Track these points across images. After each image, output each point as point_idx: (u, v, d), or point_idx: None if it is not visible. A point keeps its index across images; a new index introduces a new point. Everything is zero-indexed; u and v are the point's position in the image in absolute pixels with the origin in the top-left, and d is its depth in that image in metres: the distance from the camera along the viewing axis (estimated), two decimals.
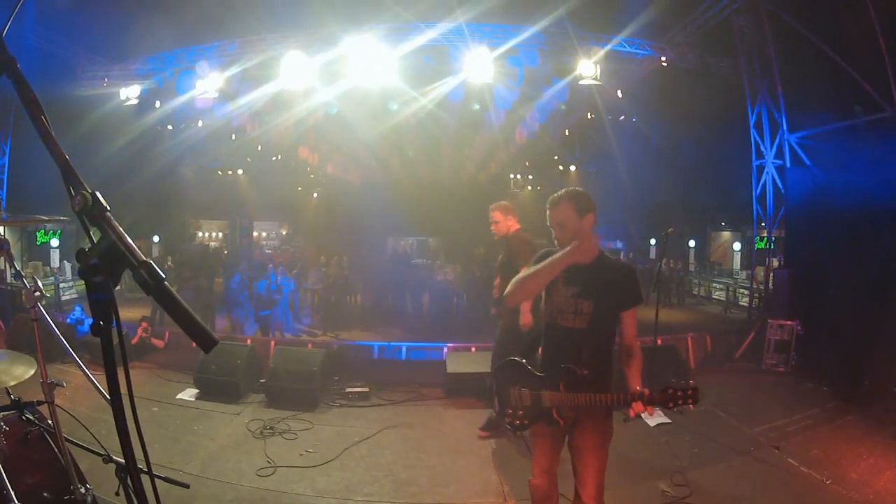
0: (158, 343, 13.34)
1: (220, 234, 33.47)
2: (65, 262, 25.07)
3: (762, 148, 16.47)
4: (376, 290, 21.72)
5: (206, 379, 10.55)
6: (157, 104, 20.08)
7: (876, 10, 12.48)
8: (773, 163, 16.24)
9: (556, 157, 32.16)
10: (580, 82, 19.18)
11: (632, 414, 4.06)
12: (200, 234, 33.28)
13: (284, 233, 34.94)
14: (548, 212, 4.50)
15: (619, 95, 23.11)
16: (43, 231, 25.49)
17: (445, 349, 12.38)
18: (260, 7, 17.65)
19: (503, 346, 7.92)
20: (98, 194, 1.53)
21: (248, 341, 12.43)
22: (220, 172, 28.76)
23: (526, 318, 7.65)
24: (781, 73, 15.68)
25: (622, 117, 24.80)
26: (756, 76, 16.24)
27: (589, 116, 25.28)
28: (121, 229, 1.52)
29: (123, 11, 16.35)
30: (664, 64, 19.18)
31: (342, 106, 20.37)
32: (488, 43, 17.81)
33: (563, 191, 4.52)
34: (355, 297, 20.84)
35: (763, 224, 16.95)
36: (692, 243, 31.69)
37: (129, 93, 18.96)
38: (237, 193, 29.77)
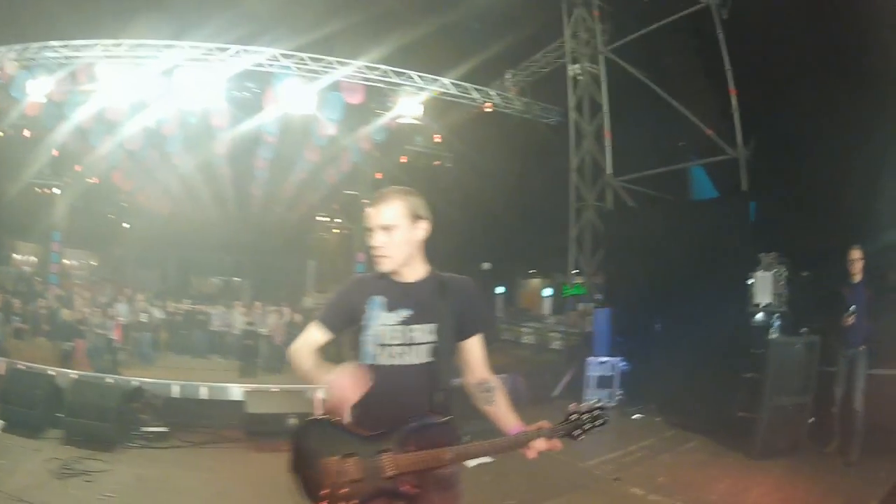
0: None
1: (34, 259, 30.81)
2: None
3: (582, 191, 17.00)
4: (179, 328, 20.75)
5: (8, 409, 9.80)
6: None
7: (731, 56, 13.52)
8: (594, 205, 16.81)
9: (364, 201, 31.81)
10: (399, 121, 19.33)
11: (533, 455, 3.23)
12: (17, 256, 30.54)
13: (94, 264, 32.69)
14: (371, 209, 3.44)
15: (437, 140, 23.27)
16: None
17: (245, 390, 11.84)
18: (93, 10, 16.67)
19: None
20: None
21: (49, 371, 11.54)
22: (37, 190, 26.49)
23: None
24: (611, 119, 16.32)
25: (436, 162, 24.92)
26: (584, 121, 16.80)
27: (402, 160, 25.28)
28: None
29: None
30: (488, 110, 19.54)
31: (162, 130, 19.32)
32: (312, 73, 17.51)
33: (394, 187, 3.55)
34: (158, 334, 19.80)
35: (574, 271, 17.42)
36: (500, 290, 31.55)
37: None
38: (51, 216, 27.63)
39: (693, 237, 12.71)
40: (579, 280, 17.87)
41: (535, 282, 32.70)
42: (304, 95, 17.62)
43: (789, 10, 11.75)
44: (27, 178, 23.63)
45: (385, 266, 3.44)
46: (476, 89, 19.13)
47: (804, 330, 10.02)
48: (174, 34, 16.86)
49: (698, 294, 11.80)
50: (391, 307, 3.40)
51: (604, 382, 13.29)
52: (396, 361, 3.35)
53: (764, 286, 11.26)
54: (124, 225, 31.68)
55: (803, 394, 9.32)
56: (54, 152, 22.80)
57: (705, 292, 11.69)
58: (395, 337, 3.36)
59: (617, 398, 13.13)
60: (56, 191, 26.68)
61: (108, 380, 11.99)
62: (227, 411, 11.25)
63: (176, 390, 12.24)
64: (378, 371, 3.32)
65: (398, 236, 3.40)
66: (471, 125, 21.64)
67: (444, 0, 17.13)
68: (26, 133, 20.52)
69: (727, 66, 13.65)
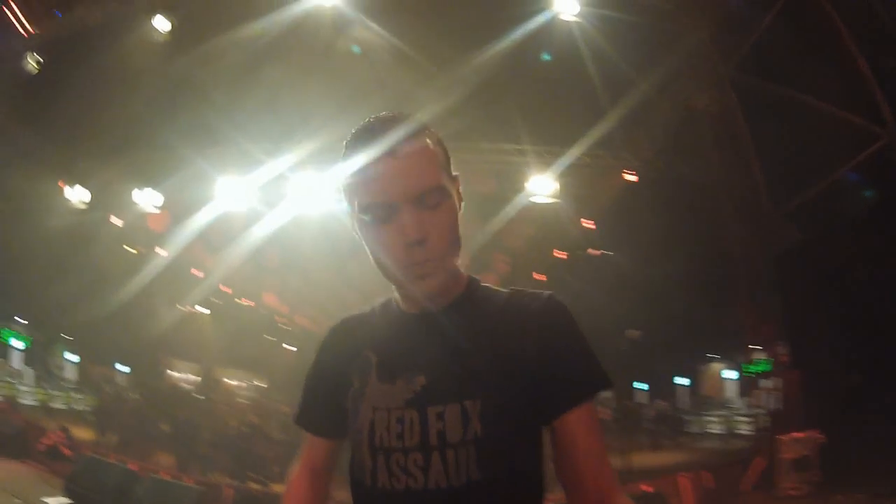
0: (68, 452, 13.46)
1: (194, 378, 31.54)
2: (28, 367, 25.39)
3: (745, 237, 15.17)
4: None
5: (75, 490, 10.20)
6: (112, 218, 19.45)
7: (850, 31, 11.73)
8: (762, 249, 14.80)
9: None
10: (533, 199, 18.19)
11: None
12: (172, 373, 31.25)
13: (264, 386, 33.35)
14: (381, 167, 1.62)
15: (589, 226, 21.56)
16: (8, 329, 25.13)
17: None
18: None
19: None
20: None
21: (132, 466, 12.00)
22: (179, 307, 26.83)
23: None
24: (756, 145, 14.61)
25: (593, 251, 23.00)
26: (728, 157, 15.20)
27: (559, 254, 23.51)
28: None
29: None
30: (633, 178, 18.31)
31: (292, 243, 19.46)
32: None
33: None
34: None
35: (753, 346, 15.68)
36: (682, 381, 30.26)
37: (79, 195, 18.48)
38: (204, 336, 28.17)
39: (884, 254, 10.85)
40: (761, 355, 15.46)
41: (716, 366, 30.66)
42: None
43: None
44: (172, 297, 24.32)
45: (434, 282, 1.68)
46: (612, 157, 17.94)
47: None
48: (282, 136, 16.71)
49: None
50: (387, 371, 1.75)
51: (802, 464, 11.09)
52: (408, 484, 1.65)
53: None
54: (286, 346, 32.33)
55: None
56: (196, 272, 23.22)
57: None
58: (397, 432, 1.67)
59: (815, 482, 10.95)
60: (204, 310, 27.61)
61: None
62: None
63: None
64: (381, 498, 1.69)
65: (446, 211, 1.69)
66: (617, 201, 19.97)
67: (541, 70, 16.26)
68: (161, 251, 20.60)
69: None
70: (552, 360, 1.65)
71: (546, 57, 15.85)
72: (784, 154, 13.68)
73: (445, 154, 1.74)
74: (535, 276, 25.46)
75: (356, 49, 15.91)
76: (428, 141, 1.68)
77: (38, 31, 15.05)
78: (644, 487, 9.87)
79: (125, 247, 21.18)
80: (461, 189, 1.78)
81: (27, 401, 22.45)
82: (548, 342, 1.67)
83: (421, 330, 1.74)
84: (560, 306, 1.75)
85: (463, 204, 1.76)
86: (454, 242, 1.69)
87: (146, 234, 19.89)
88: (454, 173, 1.76)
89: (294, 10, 14.58)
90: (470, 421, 1.59)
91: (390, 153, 1.61)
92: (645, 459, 16.48)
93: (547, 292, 1.79)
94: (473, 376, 1.63)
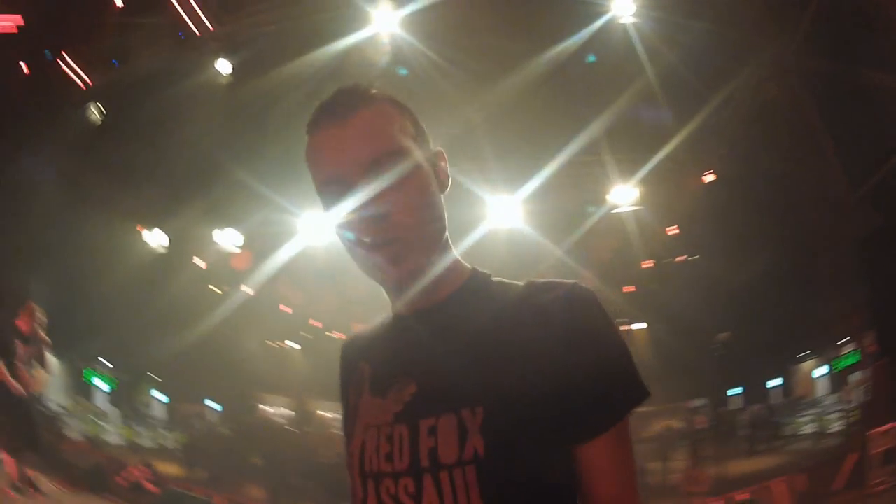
0: (151, 487, 13.96)
1: (288, 412, 31.49)
2: (114, 407, 25.46)
3: (828, 228, 14.95)
4: None
5: None
6: (195, 259, 19.88)
7: None
8: (845, 238, 14.39)
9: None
10: (615, 211, 18.10)
11: None
12: (265, 407, 31.39)
13: None
14: (320, 132, 1.51)
15: (673, 232, 21.12)
16: (92, 370, 25.22)
17: None
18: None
19: None
20: None
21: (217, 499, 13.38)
22: (268, 343, 27.14)
23: None
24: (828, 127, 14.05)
25: (680, 258, 22.47)
26: (802, 145, 14.85)
27: (644, 266, 23.04)
28: None
29: None
30: (712, 177, 18.10)
31: None
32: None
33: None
34: None
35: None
36: (774, 382, 28.89)
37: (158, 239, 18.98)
38: (295, 371, 28.09)
39: None
40: (850, 347, 16.00)
41: (807, 364, 28.92)
42: (504, 208, 16.16)
43: None
44: (262, 334, 24.84)
45: (408, 265, 1.47)
46: (689, 158, 17.49)
47: None
48: None
49: None
50: (379, 382, 1.56)
51: (890, 456, 10.53)
52: None
53: None
54: None
55: None
56: (285, 308, 23.67)
57: None
58: (387, 453, 1.44)
59: None
60: (295, 346, 27.96)
61: None
62: None
63: None
64: None
65: (415, 182, 1.47)
66: (698, 203, 19.53)
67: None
68: (248, 290, 20.82)
69: None
70: (575, 369, 1.38)
71: (592, 59, 15.61)
72: (855, 134, 13.14)
73: (414, 123, 1.55)
74: (625, 289, 24.91)
75: (404, 72, 15.84)
76: (386, 105, 1.50)
77: (96, 82, 15.44)
78: (739, 496, 9.69)
79: (210, 287, 21.58)
80: (446, 167, 1.59)
81: (112, 439, 22.55)
82: (569, 344, 1.40)
83: (412, 331, 1.54)
84: (586, 297, 1.46)
85: (445, 173, 1.59)
86: (429, 219, 1.48)
87: (230, 273, 20.20)
88: (436, 148, 1.59)
89: (351, 40, 14.63)
90: (468, 435, 1.33)
91: (336, 121, 1.45)
92: (741, 466, 16.14)
93: (571, 281, 1.50)
94: (473, 380, 1.39)
